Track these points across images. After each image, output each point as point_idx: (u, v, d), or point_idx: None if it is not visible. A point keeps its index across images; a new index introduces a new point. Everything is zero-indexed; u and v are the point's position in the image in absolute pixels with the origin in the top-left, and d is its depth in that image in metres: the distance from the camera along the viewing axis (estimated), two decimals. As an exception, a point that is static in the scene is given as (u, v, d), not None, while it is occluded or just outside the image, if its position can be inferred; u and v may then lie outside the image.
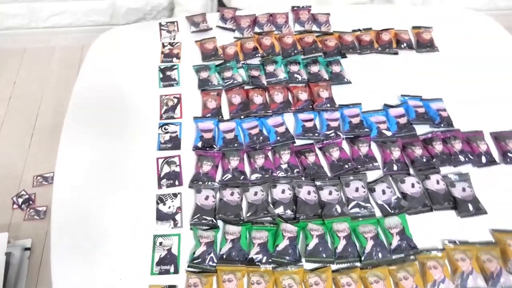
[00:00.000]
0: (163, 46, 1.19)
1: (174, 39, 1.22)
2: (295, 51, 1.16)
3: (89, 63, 1.16)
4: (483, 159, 0.97)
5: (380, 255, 0.81)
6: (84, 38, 2.17)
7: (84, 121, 1.02)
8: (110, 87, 1.09)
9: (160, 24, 1.25)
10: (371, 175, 0.94)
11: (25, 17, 2.07)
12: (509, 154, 0.98)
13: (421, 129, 1.02)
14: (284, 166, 0.93)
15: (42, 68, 2.11)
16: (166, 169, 0.93)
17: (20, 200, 1.57)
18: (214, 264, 0.79)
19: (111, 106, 1.05)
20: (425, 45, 1.20)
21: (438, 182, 0.91)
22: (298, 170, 0.93)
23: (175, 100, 1.06)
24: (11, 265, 1.37)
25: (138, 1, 2.07)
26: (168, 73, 1.12)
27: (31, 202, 1.58)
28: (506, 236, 0.84)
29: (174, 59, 1.16)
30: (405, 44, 1.20)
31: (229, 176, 0.92)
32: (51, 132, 1.81)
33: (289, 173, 0.92)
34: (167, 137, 0.99)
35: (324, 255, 0.80)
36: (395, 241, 0.82)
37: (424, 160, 0.95)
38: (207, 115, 1.02)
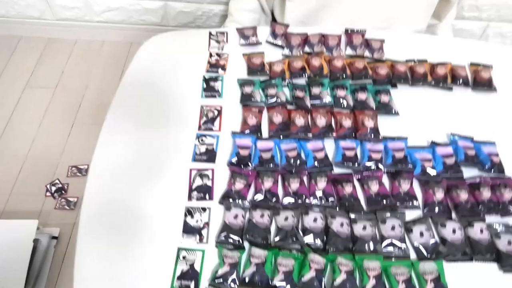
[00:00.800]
0: (210, 55, 1.19)
1: (222, 49, 1.21)
2: (344, 76, 1.13)
3: (137, 63, 1.16)
4: (534, 213, 0.90)
5: (411, 302, 0.76)
6: (133, 35, 2.23)
7: (124, 119, 1.02)
8: (153, 89, 1.09)
9: (210, 33, 1.25)
10: (410, 215, 0.89)
11: (81, 10, 2.14)
12: (563, 211, 0.90)
13: (469, 172, 0.96)
14: (319, 194, 0.90)
15: (90, 60, 2.17)
16: (198, 181, 0.92)
17: (53, 188, 1.61)
18: (236, 287, 0.77)
19: (152, 109, 1.05)
20: (482, 84, 1.14)
21: (482, 231, 0.86)
22: (333, 199, 0.89)
23: (216, 112, 1.05)
24: (38, 251, 1.39)
25: (190, 5, 2.10)
26: (212, 83, 1.11)
27: (63, 192, 1.61)
28: (552, 301, 0.78)
29: (220, 70, 1.15)
30: (461, 81, 1.14)
31: (261, 197, 0.89)
32: (91, 125, 1.85)
33: (323, 202, 0.89)
34: (203, 148, 0.98)
35: (351, 294, 0.76)
36: (429, 289, 0.78)
37: (469, 206, 0.89)
38: (246, 131, 1.00)
